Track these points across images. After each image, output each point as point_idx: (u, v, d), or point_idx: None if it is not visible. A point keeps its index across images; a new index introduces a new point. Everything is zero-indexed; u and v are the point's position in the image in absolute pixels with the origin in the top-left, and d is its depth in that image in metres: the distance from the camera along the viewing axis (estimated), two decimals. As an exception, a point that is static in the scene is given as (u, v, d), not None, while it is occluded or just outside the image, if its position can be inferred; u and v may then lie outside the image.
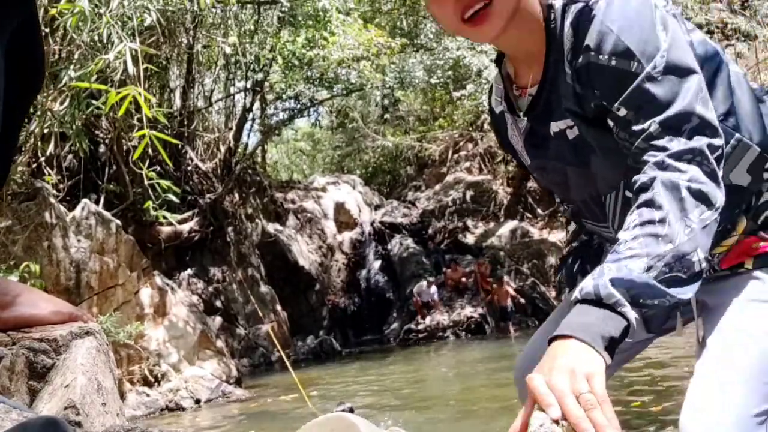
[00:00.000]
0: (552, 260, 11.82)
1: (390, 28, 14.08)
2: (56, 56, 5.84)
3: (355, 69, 11.27)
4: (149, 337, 7.09)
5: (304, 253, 13.07)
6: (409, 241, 13.93)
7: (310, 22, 10.16)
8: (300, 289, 12.55)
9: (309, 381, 7.91)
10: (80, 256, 6.62)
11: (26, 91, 0.76)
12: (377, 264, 13.99)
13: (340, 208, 14.88)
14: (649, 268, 0.88)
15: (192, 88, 10.71)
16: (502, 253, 12.82)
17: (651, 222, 0.90)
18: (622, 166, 1.04)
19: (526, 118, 1.20)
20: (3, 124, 0.69)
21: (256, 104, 12.64)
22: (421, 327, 11.71)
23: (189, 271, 10.11)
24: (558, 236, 12.55)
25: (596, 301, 0.87)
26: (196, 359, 7.54)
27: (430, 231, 14.35)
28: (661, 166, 0.93)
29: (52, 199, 6.52)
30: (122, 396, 6.31)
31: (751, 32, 12.57)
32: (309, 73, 11.53)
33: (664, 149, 0.94)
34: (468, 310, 11.71)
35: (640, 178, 0.95)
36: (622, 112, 0.99)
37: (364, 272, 14.01)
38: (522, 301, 11.63)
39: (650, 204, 0.92)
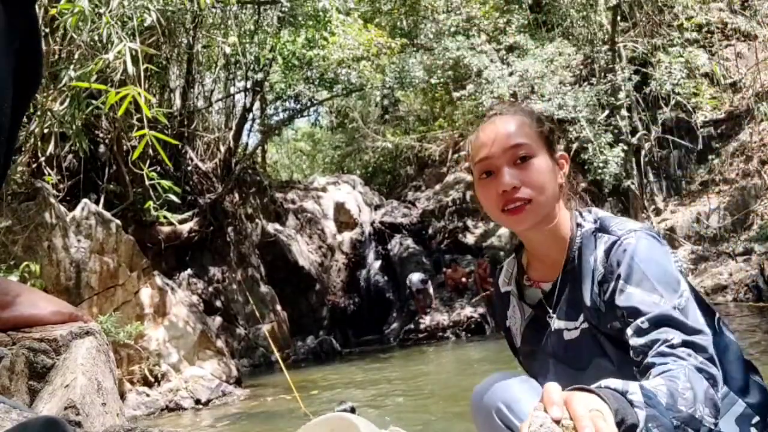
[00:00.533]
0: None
1: (390, 28, 14.07)
2: (56, 56, 5.84)
3: (355, 69, 11.26)
4: (149, 337, 7.09)
5: (304, 253, 13.06)
6: (409, 241, 13.93)
7: (310, 22, 10.16)
8: (300, 289, 12.54)
9: (309, 381, 7.90)
10: (80, 256, 6.62)
11: (25, 91, 0.76)
12: (377, 264, 13.99)
13: (340, 208, 14.88)
14: (667, 409, 0.96)
15: (192, 88, 10.71)
16: (502, 253, 12.81)
17: (674, 381, 1.00)
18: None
19: (531, 309, 1.38)
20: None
21: (256, 104, 12.65)
22: (421, 327, 11.71)
23: (189, 271, 10.11)
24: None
25: (620, 391, 0.93)
26: (196, 359, 7.54)
27: (430, 231, 14.35)
28: (683, 368, 1.04)
29: (52, 199, 6.52)
30: (122, 396, 6.31)
31: (751, 32, 12.56)
32: (309, 73, 11.53)
33: (687, 359, 1.07)
34: (468, 310, 11.71)
35: (664, 367, 1.05)
36: (645, 324, 1.13)
37: (364, 272, 14.00)
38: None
39: (674, 377, 1.01)
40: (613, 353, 1.23)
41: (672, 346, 1.08)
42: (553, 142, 1.35)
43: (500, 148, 1.28)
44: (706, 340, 1.12)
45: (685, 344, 1.08)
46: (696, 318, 1.14)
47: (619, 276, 1.19)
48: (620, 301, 1.18)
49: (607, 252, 1.23)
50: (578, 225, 1.32)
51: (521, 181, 1.25)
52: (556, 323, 1.32)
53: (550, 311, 1.33)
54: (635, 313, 1.15)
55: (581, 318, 1.28)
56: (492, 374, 1.44)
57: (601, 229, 1.28)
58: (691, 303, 1.16)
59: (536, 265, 1.39)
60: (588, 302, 1.25)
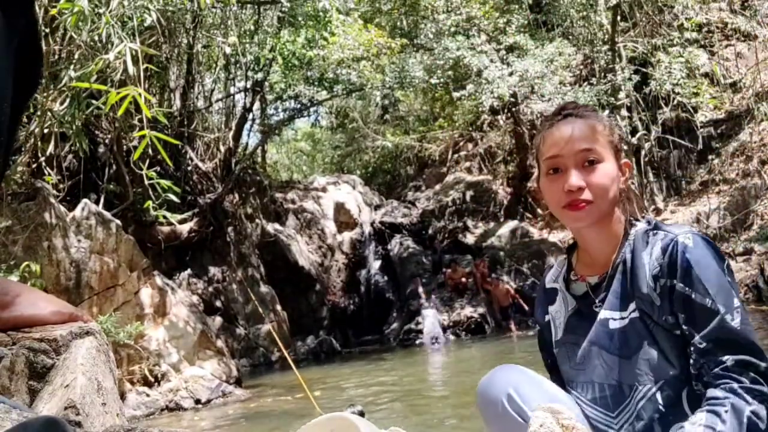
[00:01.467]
0: (552, 260, 11.81)
1: (390, 28, 14.07)
2: (56, 56, 5.84)
3: (355, 69, 11.25)
4: (149, 337, 7.09)
5: (304, 253, 13.06)
6: (409, 241, 13.92)
7: (310, 22, 10.15)
8: (300, 289, 12.54)
9: (309, 381, 7.90)
10: (80, 256, 6.62)
11: (25, 91, 0.76)
12: (377, 264, 13.98)
13: (340, 208, 14.88)
14: None
15: (192, 88, 10.70)
16: (502, 253, 12.81)
17: (712, 428, 1.15)
18: (671, 367, 1.29)
19: (575, 301, 1.46)
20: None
21: (256, 104, 12.64)
22: (421, 327, 11.71)
23: (189, 271, 10.10)
24: (558, 236, 12.56)
25: None
26: (196, 359, 7.53)
27: (430, 231, 14.35)
28: (735, 392, 1.18)
29: (52, 199, 6.52)
30: (122, 396, 6.31)
31: (751, 32, 12.55)
32: (309, 74, 11.52)
33: (738, 381, 1.19)
34: (468, 310, 11.71)
35: (715, 393, 1.19)
36: (702, 344, 1.23)
37: (364, 272, 14.00)
38: (521, 301, 11.63)
39: (717, 414, 1.16)
40: (664, 342, 1.30)
41: (726, 369, 1.20)
42: (621, 150, 1.44)
43: (571, 150, 1.37)
44: (757, 353, 1.21)
45: (737, 364, 1.20)
46: (747, 329, 1.23)
47: (674, 273, 1.27)
48: (677, 300, 1.27)
49: (664, 249, 1.30)
50: (632, 225, 1.41)
51: (587, 183, 1.35)
52: (602, 313, 1.38)
53: (597, 301, 1.41)
54: (692, 323, 1.25)
55: (631, 308, 1.34)
56: (496, 368, 1.47)
57: (655, 228, 1.37)
58: (743, 311, 1.25)
59: (586, 261, 1.47)
60: (641, 295, 1.32)
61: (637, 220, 1.43)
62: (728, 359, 1.20)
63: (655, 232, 1.36)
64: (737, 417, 1.14)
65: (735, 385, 1.18)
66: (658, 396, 1.30)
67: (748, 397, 1.16)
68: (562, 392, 1.44)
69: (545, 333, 1.56)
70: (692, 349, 1.24)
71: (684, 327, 1.26)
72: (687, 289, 1.25)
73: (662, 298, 1.29)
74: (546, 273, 1.61)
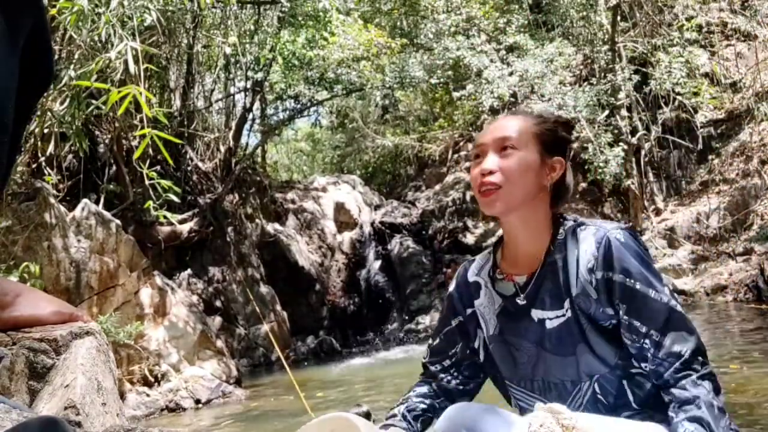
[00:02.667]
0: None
1: (390, 28, 14.07)
2: (56, 56, 5.84)
3: (355, 69, 11.26)
4: (149, 337, 7.09)
5: (304, 253, 13.06)
6: (409, 241, 13.91)
7: (310, 22, 10.15)
8: (300, 289, 12.53)
9: (309, 381, 7.90)
10: (80, 256, 6.62)
11: (33, 90, 0.76)
12: (377, 264, 13.98)
13: (340, 208, 14.87)
14: None
15: (192, 88, 10.70)
16: (502, 253, 12.80)
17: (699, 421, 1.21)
18: (609, 360, 1.33)
19: (501, 300, 1.45)
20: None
21: (256, 104, 12.64)
22: (421, 327, 11.70)
23: (189, 271, 10.10)
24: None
25: None
26: (196, 359, 7.53)
27: (430, 231, 14.34)
28: (695, 384, 1.23)
29: (52, 199, 6.52)
30: (122, 396, 6.31)
31: (751, 32, 12.56)
32: (309, 73, 11.52)
33: (696, 371, 1.24)
34: (468, 310, 11.71)
35: (683, 393, 1.23)
36: (658, 337, 1.27)
37: (364, 272, 13.99)
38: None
39: (699, 420, 1.20)
40: (598, 338, 1.33)
41: (686, 362, 1.24)
42: (551, 146, 1.43)
43: (491, 137, 1.41)
44: (698, 337, 1.28)
45: (693, 354, 1.25)
46: (684, 313, 1.29)
47: (611, 266, 1.30)
48: (617, 292, 1.29)
49: (598, 242, 1.32)
50: (560, 224, 1.42)
51: (498, 167, 1.37)
52: (537, 313, 1.38)
53: (521, 301, 1.41)
54: (636, 313, 1.28)
55: (566, 306, 1.35)
56: (449, 407, 1.45)
57: (583, 224, 1.39)
58: (675, 295, 1.30)
59: (511, 260, 1.47)
60: (576, 290, 1.33)
61: (564, 218, 1.43)
62: (685, 350, 1.24)
63: (583, 227, 1.38)
64: (711, 413, 1.20)
65: (695, 377, 1.24)
66: (598, 390, 1.34)
67: (706, 384, 1.22)
68: (518, 420, 1.40)
69: (467, 325, 1.54)
70: (648, 342, 1.27)
71: (625, 318, 1.28)
72: (629, 280, 1.28)
73: (598, 291, 1.31)
74: (465, 266, 1.60)
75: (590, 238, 1.34)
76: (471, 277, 1.55)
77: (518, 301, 1.41)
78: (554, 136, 1.43)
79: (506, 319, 1.45)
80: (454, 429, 1.37)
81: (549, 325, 1.36)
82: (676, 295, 1.30)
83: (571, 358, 1.35)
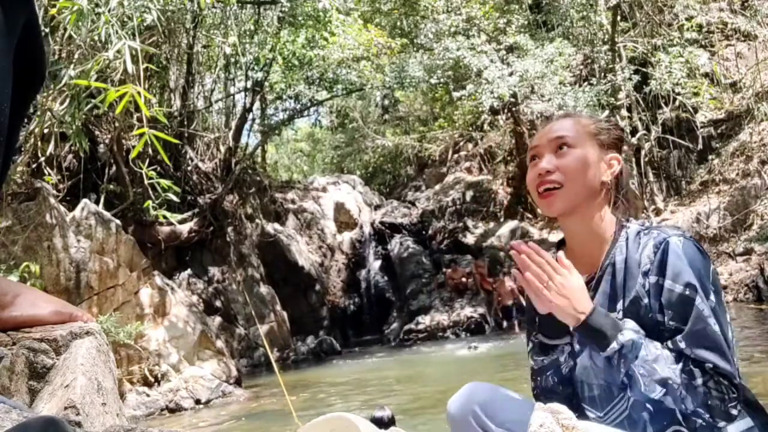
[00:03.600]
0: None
1: (390, 28, 14.08)
2: (56, 56, 5.84)
3: (355, 69, 11.26)
4: (149, 337, 7.09)
5: (304, 253, 13.06)
6: (409, 241, 13.92)
7: (310, 22, 10.15)
8: (300, 289, 12.54)
9: (308, 381, 7.90)
10: (80, 256, 6.62)
11: (26, 90, 0.76)
12: (377, 264, 13.98)
13: (340, 208, 14.88)
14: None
15: (192, 88, 10.70)
16: (502, 253, 12.81)
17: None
18: None
19: None
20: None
21: (256, 104, 12.64)
22: (421, 327, 11.71)
23: (189, 271, 10.10)
24: (558, 236, 12.56)
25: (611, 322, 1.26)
26: (196, 359, 7.53)
27: (430, 231, 14.35)
28: (707, 375, 1.20)
29: (52, 199, 6.52)
30: (122, 396, 6.31)
31: (751, 32, 12.56)
32: (309, 73, 11.52)
33: (707, 373, 1.21)
34: (468, 310, 11.71)
35: (690, 366, 1.22)
36: (683, 345, 1.23)
37: (364, 272, 13.99)
38: (523, 300, 11.64)
39: (655, 360, 1.21)
40: None
41: (704, 372, 1.21)
42: (607, 144, 1.42)
43: (546, 139, 1.41)
44: (731, 366, 1.22)
45: (716, 370, 1.20)
46: (724, 330, 1.23)
47: (664, 271, 1.27)
48: (665, 298, 1.27)
49: (656, 246, 1.30)
50: (622, 227, 1.39)
51: (556, 167, 1.37)
52: None
53: None
54: (678, 320, 1.26)
55: (618, 307, 1.33)
56: (465, 385, 1.49)
57: (648, 229, 1.36)
58: (722, 314, 1.24)
59: (573, 261, 1.42)
60: (632, 294, 1.31)
61: (628, 221, 1.40)
62: (708, 365, 1.21)
63: (647, 231, 1.35)
64: (692, 391, 1.19)
65: (700, 371, 1.22)
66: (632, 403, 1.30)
67: (699, 377, 1.20)
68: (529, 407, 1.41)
69: (530, 330, 1.55)
70: (674, 347, 1.25)
71: (670, 324, 1.26)
72: (677, 286, 1.25)
73: (650, 296, 1.29)
74: None
75: (651, 242, 1.31)
76: None
77: None
78: (609, 134, 1.43)
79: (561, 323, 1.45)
80: (468, 404, 1.42)
81: None
82: (721, 314, 1.25)
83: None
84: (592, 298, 1.36)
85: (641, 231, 1.35)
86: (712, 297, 1.24)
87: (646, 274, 1.30)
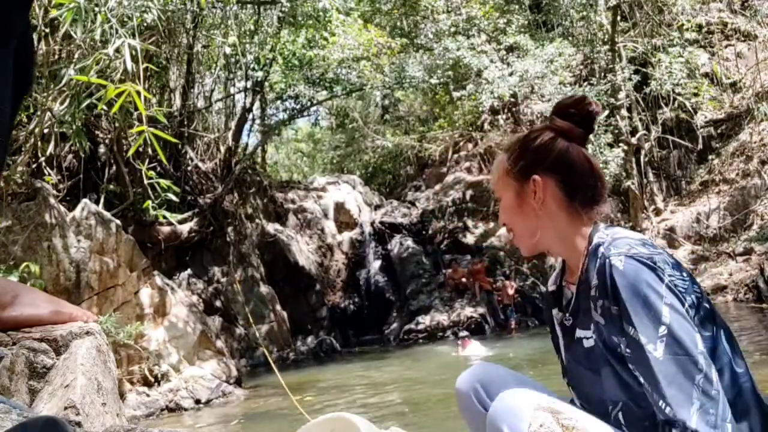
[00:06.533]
0: (552, 260, 11.81)
1: (390, 28, 14.08)
2: (56, 56, 5.84)
3: (355, 69, 11.26)
4: (149, 337, 7.08)
5: (304, 253, 13.06)
6: (409, 241, 13.92)
7: (310, 22, 10.15)
8: (300, 289, 12.54)
9: (308, 381, 7.90)
10: (80, 256, 6.62)
11: (20, 92, 0.76)
12: (377, 264, 13.98)
13: (340, 208, 14.88)
14: None
15: (192, 88, 10.70)
16: (501, 253, 12.82)
17: None
18: (626, 389, 1.25)
19: (559, 312, 1.45)
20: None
21: (256, 104, 12.65)
22: (420, 327, 11.71)
23: (189, 271, 10.10)
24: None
25: None
26: (196, 359, 7.53)
27: (430, 231, 14.35)
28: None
29: (52, 200, 6.51)
30: (122, 396, 6.30)
31: (751, 32, 12.56)
32: (309, 73, 11.52)
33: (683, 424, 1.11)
34: (468, 310, 11.71)
35: None
36: (639, 377, 1.19)
37: (364, 272, 13.99)
38: (521, 300, 11.65)
39: None
40: (617, 365, 1.26)
41: (660, 410, 1.14)
42: (523, 171, 1.37)
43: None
44: (680, 384, 1.14)
45: (665, 424, 1.13)
46: (673, 358, 1.14)
47: (607, 295, 1.23)
48: (616, 322, 1.23)
49: (600, 270, 1.25)
50: (591, 240, 1.33)
51: (503, 221, 1.45)
52: (578, 332, 1.36)
53: (567, 321, 1.40)
54: (627, 348, 1.21)
55: (592, 327, 1.31)
56: (475, 365, 1.58)
57: (604, 242, 1.29)
58: (670, 338, 1.15)
59: (570, 273, 1.43)
60: (595, 315, 1.29)
61: (597, 229, 1.34)
62: (661, 402, 1.14)
63: (599, 250, 1.28)
64: None
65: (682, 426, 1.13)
66: (621, 417, 1.28)
67: None
68: (529, 385, 1.46)
69: (553, 335, 1.55)
70: (646, 387, 1.19)
71: (627, 351, 1.21)
72: (625, 315, 1.19)
73: (604, 318, 1.25)
74: (551, 274, 1.59)
75: (597, 262, 1.27)
76: (550, 286, 1.56)
77: (565, 321, 1.42)
78: (519, 162, 1.38)
79: (563, 333, 1.45)
80: (470, 382, 1.51)
81: (586, 344, 1.34)
82: (669, 338, 1.15)
83: (602, 379, 1.30)
84: (576, 313, 1.35)
85: (600, 244, 1.29)
86: (666, 312, 1.16)
87: (595, 297, 1.26)
